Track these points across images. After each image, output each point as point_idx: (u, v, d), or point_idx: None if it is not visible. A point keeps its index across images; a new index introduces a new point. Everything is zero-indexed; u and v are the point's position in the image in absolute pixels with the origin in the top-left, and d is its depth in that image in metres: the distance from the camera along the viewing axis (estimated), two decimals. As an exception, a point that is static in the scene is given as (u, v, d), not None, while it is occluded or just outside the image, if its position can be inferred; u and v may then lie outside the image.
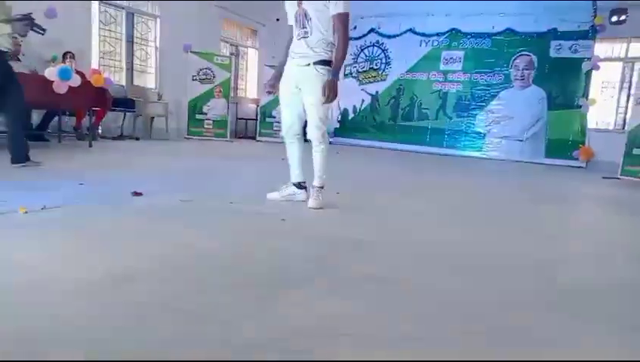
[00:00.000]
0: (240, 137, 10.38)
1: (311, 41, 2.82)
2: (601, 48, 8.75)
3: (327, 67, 2.84)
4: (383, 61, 10.37)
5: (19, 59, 5.82)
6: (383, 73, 10.37)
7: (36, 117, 6.23)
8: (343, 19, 2.79)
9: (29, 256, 1.71)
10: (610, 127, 9.32)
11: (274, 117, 9.76)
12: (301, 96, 2.92)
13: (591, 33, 8.43)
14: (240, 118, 10.61)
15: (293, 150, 3.08)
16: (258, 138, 9.92)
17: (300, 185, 3.12)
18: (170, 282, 1.54)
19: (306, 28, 2.82)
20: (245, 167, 5.39)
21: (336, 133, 10.86)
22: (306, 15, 2.81)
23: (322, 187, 3.00)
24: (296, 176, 3.12)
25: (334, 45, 2.85)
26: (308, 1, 2.80)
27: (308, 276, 1.69)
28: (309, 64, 2.83)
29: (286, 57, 2.99)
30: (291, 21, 2.92)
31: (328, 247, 2.11)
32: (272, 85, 3.05)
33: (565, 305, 1.58)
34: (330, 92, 2.78)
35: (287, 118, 3.02)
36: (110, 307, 1.31)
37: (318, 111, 2.87)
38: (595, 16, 8.34)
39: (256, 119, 10.22)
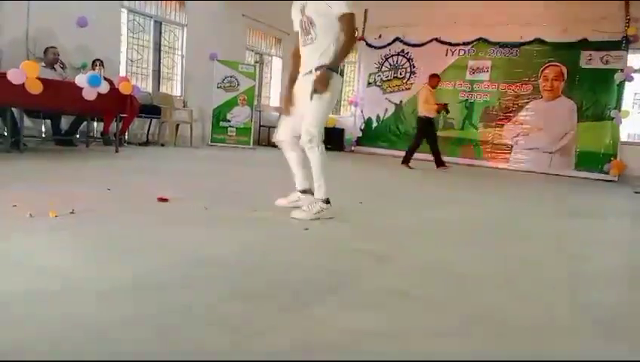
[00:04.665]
0: (263, 145, 10.44)
1: (316, 47, 2.78)
2: (634, 59, 8.51)
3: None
4: (408, 70, 10.30)
5: (54, 68, 5.98)
6: (408, 82, 10.29)
7: (65, 122, 6.37)
8: (347, 20, 2.71)
9: (59, 261, 1.73)
10: (644, 140, 9.03)
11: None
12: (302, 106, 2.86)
13: (624, 43, 8.20)
14: (263, 126, 10.67)
15: (292, 156, 3.00)
16: (281, 146, 9.94)
17: (304, 192, 3.01)
18: (191, 291, 1.53)
19: (311, 34, 2.79)
20: (269, 174, 5.39)
21: (360, 141, 10.81)
22: (311, 22, 2.78)
23: (322, 200, 2.83)
24: (299, 183, 3.05)
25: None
26: (310, 8, 2.76)
27: (330, 288, 1.67)
28: (310, 71, 2.81)
29: (296, 70, 2.96)
30: (297, 28, 2.90)
31: (351, 260, 2.07)
32: (287, 108, 2.97)
33: (589, 323, 1.52)
34: (319, 84, 2.70)
35: (283, 122, 2.96)
36: (132, 315, 1.31)
37: (312, 119, 2.77)
38: (627, 27, 8.12)
39: (280, 127, 10.25)
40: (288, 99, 2.97)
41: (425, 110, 7.33)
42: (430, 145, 7.43)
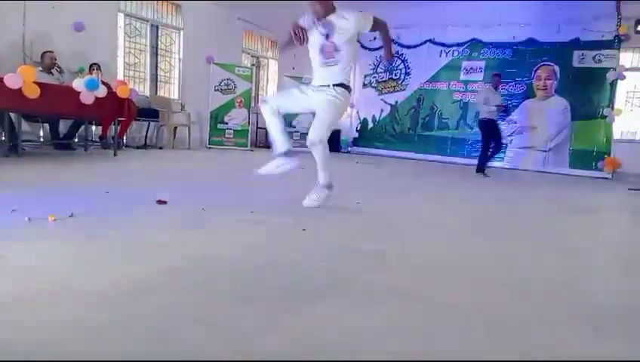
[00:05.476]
0: (260, 146, 10.47)
1: (339, 68, 3.11)
2: (626, 58, 8.59)
3: (342, 89, 3.13)
4: (403, 71, 10.36)
5: (51, 73, 6.00)
6: (403, 83, 10.35)
7: (63, 126, 6.39)
8: (376, 21, 3.12)
9: (58, 264, 1.75)
10: (637, 138, 9.12)
11: (294, 127, 9.83)
12: (306, 106, 3.24)
13: (616, 42, 8.28)
14: (260, 128, 10.69)
15: (277, 122, 3.17)
16: (278, 147, 9.97)
17: (286, 153, 3.20)
18: (191, 293, 1.55)
19: (334, 58, 3.09)
20: (266, 176, 5.41)
21: (356, 142, 10.85)
22: (336, 49, 3.06)
23: (327, 186, 3.21)
24: (281, 145, 3.20)
25: (351, 68, 3.25)
26: (339, 37, 3.03)
27: (330, 288, 1.69)
28: (328, 85, 3.12)
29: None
30: (313, 47, 3.12)
31: (351, 260, 2.10)
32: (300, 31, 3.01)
33: (589, 321, 1.55)
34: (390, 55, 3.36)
35: (284, 103, 3.22)
36: (132, 318, 1.33)
37: (323, 125, 3.14)
38: (619, 26, 8.20)
39: (276, 129, 10.28)
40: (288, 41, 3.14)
41: (484, 112, 7.01)
42: (483, 146, 7.17)
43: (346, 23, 3.02)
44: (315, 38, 3.07)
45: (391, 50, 3.37)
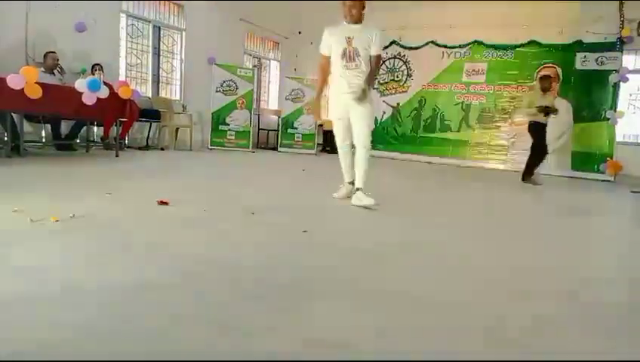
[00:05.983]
0: (262, 147, 10.48)
1: (360, 72, 3.54)
2: (629, 60, 8.57)
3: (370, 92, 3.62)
4: (405, 73, 10.35)
5: (53, 73, 6.02)
6: (405, 85, 10.34)
7: (65, 127, 6.40)
8: (379, 59, 3.62)
9: (60, 264, 1.76)
10: (639, 140, 9.09)
11: (295, 128, 9.84)
12: (349, 115, 3.59)
13: (618, 45, 8.27)
14: (262, 129, 10.72)
15: (349, 157, 3.76)
16: (279, 149, 9.99)
17: (352, 183, 3.72)
18: (192, 292, 1.56)
19: (356, 62, 3.53)
20: (267, 178, 5.43)
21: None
22: (357, 53, 3.52)
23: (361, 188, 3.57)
24: (351, 176, 3.74)
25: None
26: (358, 43, 3.49)
27: (330, 289, 1.70)
28: (360, 86, 3.53)
29: (324, 81, 3.73)
30: (327, 51, 3.62)
31: (350, 260, 2.11)
32: (318, 114, 3.87)
33: (589, 321, 1.55)
34: (363, 97, 3.50)
35: (342, 131, 3.68)
36: (133, 317, 1.33)
37: (366, 121, 3.56)
38: (622, 28, 8.19)
39: (278, 130, 10.31)
40: (318, 106, 3.78)
41: (529, 116, 6.67)
42: (531, 152, 6.79)
43: (368, 32, 3.49)
44: (338, 45, 3.52)
45: (371, 81, 3.60)
